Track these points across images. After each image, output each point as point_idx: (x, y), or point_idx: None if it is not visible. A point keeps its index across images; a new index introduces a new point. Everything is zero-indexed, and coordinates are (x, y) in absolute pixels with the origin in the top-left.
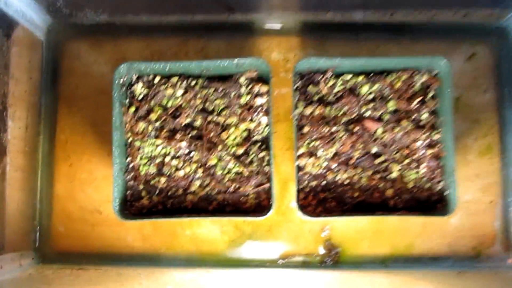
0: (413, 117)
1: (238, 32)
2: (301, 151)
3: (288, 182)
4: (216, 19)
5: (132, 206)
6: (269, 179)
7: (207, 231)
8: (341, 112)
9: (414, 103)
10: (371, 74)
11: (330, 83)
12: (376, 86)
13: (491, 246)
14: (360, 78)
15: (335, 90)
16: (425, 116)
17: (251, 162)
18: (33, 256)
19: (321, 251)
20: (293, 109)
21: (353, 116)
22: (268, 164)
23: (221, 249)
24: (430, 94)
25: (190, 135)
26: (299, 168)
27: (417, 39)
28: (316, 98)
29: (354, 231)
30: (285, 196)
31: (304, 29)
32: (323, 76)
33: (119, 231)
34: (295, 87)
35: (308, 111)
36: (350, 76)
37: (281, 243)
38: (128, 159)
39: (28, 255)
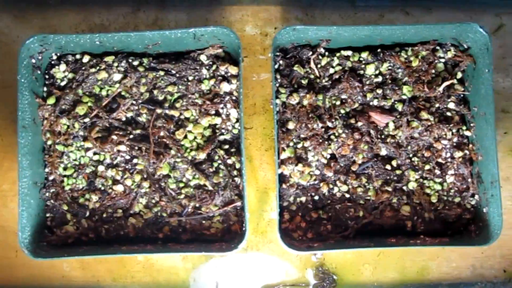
0: (436, 107)
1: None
2: (284, 155)
3: (268, 192)
4: None
5: (53, 235)
6: (241, 195)
7: (165, 256)
8: (339, 101)
9: (439, 88)
10: (379, 50)
11: (323, 62)
12: (385, 65)
13: None
14: (364, 54)
15: (330, 72)
16: (451, 105)
17: (216, 171)
18: None
19: (312, 280)
20: (273, 97)
21: (355, 106)
22: (240, 173)
23: (183, 279)
24: (458, 76)
25: (131, 135)
26: (283, 179)
27: (429, 8)
28: (304, 82)
29: (353, 253)
30: (265, 209)
31: None
32: (313, 53)
33: None
34: (275, 67)
35: (294, 100)
36: (349, 52)
37: (261, 270)
38: (47, 169)
39: None
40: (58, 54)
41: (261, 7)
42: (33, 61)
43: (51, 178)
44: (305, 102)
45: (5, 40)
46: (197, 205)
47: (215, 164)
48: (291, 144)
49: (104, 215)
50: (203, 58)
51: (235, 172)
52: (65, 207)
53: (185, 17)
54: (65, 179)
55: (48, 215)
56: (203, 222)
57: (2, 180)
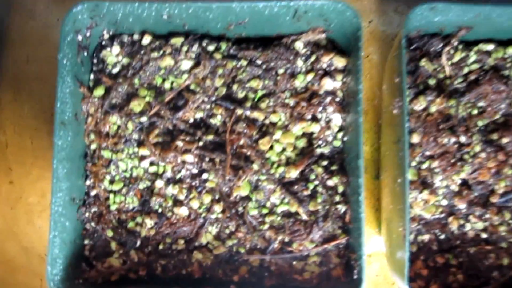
0: None
1: None
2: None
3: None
4: None
5: (92, 269)
6: (346, 229)
7: None
8: (476, 110)
9: None
10: None
11: (457, 58)
12: None
13: None
14: (511, 49)
15: (465, 71)
16: None
17: (313, 195)
18: None
19: None
20: (404, 99)
21: (497, 117)
22: (344, 199)
23: None
24: None
25: (201, 142)
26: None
27: None
28: (431, 83)
29: None
30: None
31: None
32: (446, 44)
33: None
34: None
35: (420, 105)
36: (492, 46)
37: None
38: (88, 182)
39: None
40: (111, 33)
41: None
42: (79, 38)
43: (93, 193)
44: (433, 109)
45: (42, 23)
46: (287, 239)
47: (311, 186)
48: (414, 163)
49: (161, 247)
50: (299, 45)
51: (337, 198)
52: (110, 233)
53: None
54: (112, 195)
55: (86, 242)
56: (294, 263)
57: (28, 191)
